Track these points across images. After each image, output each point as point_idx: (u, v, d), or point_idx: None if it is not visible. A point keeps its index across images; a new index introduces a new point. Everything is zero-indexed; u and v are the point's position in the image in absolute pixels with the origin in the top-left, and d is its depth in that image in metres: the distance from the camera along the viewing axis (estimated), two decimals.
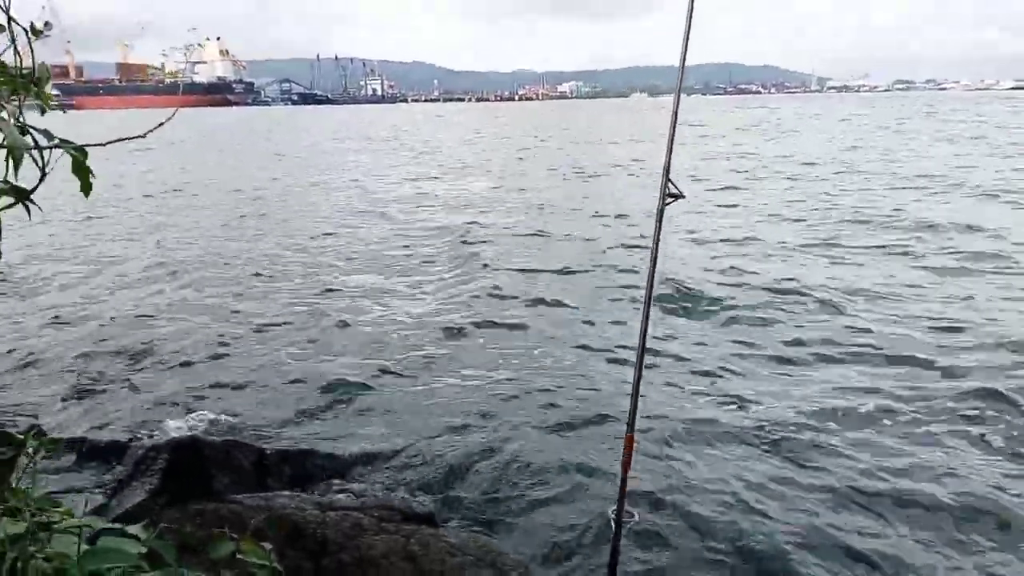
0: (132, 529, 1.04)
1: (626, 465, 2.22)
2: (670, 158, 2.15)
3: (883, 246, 10.33)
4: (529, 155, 29.58)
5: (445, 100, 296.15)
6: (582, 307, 7.73)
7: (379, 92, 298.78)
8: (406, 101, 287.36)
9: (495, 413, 5.10)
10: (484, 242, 11.52)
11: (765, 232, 11.64)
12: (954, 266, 9.07)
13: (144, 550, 1.01)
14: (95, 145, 1.04)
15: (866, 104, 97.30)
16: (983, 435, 4.61)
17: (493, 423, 4.94)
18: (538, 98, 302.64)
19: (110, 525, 1.06)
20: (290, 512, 3.96)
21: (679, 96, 2.14)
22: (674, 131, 2.16)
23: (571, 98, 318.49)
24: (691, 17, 2.06)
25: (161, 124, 1.18)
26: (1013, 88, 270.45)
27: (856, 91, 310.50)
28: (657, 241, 2.15)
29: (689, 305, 7.55)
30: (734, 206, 14.53)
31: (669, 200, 2.16)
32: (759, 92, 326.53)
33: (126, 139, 1.12)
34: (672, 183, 2.15)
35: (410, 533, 3.93)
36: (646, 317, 2.16)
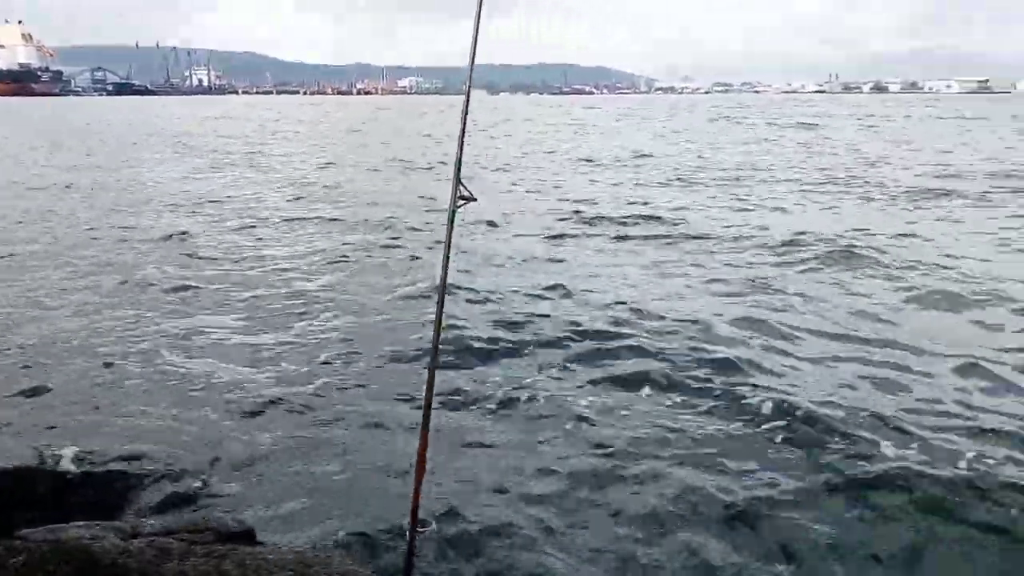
0: None
1: (419, 473, 2.18)
2: (460, 160, 2.14)
3: None
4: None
5: (279, 92, 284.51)
6: (374, 307, 7.61)
7: (206, 83, 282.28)
8: (236, 93, 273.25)
9: (301, 417, 4.96)
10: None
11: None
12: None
13: None
14: None
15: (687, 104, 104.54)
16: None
17: (302, 427, 4.80)
18: (377, 92, 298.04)
19: None
20: (85, 543, 3.62)
21: (468, 98, 2.13)
22: (464, 134, 2.14)
23: (411, 94, 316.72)
24: (479, 21, 2.06)
25: None
26: (815, 92, 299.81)
27: (680, 92, 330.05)
28: (448, 244, 2.13)
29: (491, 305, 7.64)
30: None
31: (460, 203, 2.15)
32: (592, 92, 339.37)
33: None
34: (463, 185, 2.14)
35: (224, 553, 3.70)
36: (439, 320, 2.14)
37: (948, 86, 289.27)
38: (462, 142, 2.15)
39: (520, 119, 61.18)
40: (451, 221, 2.13)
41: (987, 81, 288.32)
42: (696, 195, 16.13)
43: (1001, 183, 17.14)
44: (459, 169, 2.14)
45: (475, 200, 2.13)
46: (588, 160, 25.16)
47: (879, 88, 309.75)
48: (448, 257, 2.13)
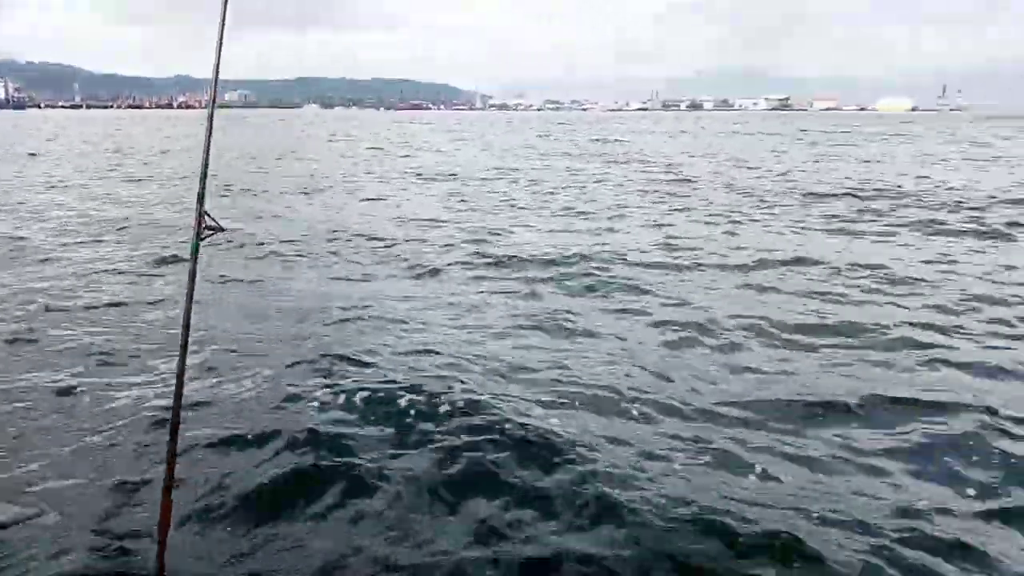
0: None
1: (164, 528, 2.00)
2: (204, 189, 1.98)
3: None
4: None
5: (89, 106, 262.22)
6: (126, 350, 6.67)
7: (2, 96, 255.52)
8: (38, 107, 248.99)
9: (49, 473, 4.40)
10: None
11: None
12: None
13: None
14: None
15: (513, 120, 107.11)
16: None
17: (57, 484, 4.26)
18: (200, 106, 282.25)
19: None
20: None
21: (212, 118, 1.98)
22: (207, 158, 1.99)
23: (238, 107, 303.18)
24: (223, 32, 1.93)
25: None
26: (637, 109, 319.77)
27: (514, 109, 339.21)
28: (193, 279, 1.96)
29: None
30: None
31: (208, 233, 1.99)
32: (429, 108, 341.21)
33: None
34: (208, 215, 1.98)
35: None
36: (183, 360, 1.97)
37: (755, 103, 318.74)
38: (205, 169, 1.98)
39: (354, 133, 60.31)
40: (194, 255, 1.96)
41: (788, 99, 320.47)
42: (515, 213, 16.24)
43: (785, 192, 19.15)
44: (202, 198, 1.97)
45: (223, 230, 1.98)
46: (417, 175, 25.13)
47: (695, 105, 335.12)
48: (192, 295, 1.95)
